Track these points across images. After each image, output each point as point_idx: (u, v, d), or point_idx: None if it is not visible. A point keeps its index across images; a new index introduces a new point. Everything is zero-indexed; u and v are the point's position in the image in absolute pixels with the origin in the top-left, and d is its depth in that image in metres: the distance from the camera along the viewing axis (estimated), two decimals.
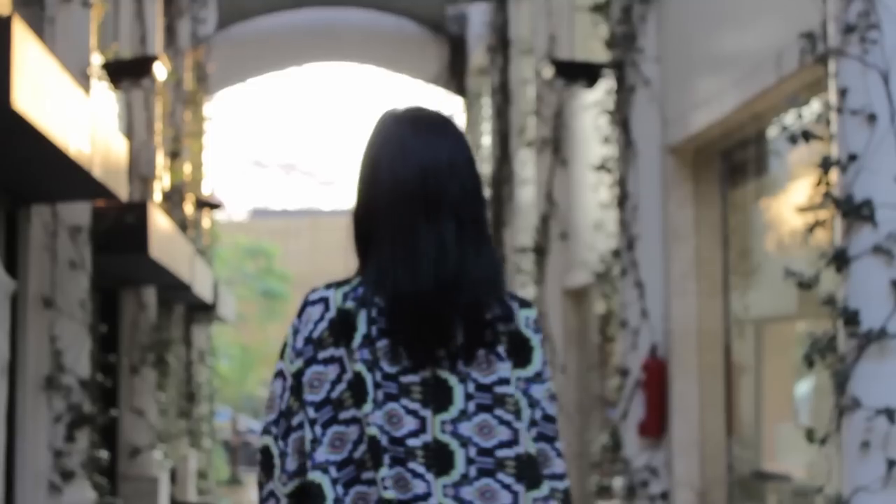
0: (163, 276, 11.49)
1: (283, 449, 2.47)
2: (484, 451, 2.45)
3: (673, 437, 8.67)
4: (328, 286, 2.53)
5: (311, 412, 2.45)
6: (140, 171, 12.40)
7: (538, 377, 2.54)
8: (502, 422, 2.46)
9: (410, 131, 2.55)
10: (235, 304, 22.54)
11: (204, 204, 16.80)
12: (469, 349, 2.46)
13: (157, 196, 13.22)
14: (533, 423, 2.53)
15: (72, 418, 8.43)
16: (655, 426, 8.73)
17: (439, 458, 2.43)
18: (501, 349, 2.49)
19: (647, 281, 8.86)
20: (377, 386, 2.42)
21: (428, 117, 2.60)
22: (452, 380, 2.46)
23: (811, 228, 5.40)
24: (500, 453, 2.46)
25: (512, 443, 2.47)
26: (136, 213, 9.57)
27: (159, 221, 10.20)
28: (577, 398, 12.51)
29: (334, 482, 2.42)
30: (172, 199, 14.66)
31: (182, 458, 15.22)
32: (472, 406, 2.46)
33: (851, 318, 5.01)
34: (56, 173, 7.13)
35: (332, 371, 2.45)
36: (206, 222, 18.10)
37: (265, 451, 2.50)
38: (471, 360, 2.46)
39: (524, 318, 2.54)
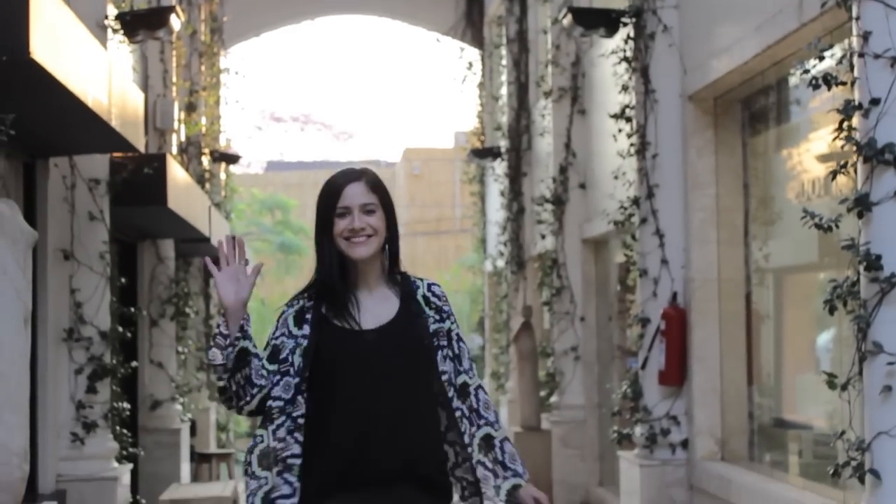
0: (181, 228, 11.50)
1: None
2: None
3: (693, 385, 8.67)
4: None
5: None
6: (156, 124, 12.39)
7: None
8: None
9: None
10: (252, 258, 22.57)
11: (220, 157, 16.79)
12: None
13: (174, 149, 13.20)
14: None
15: (93, 370, 8.48)
16: (676, 375, 8.73)
17: None
18: None
19: (667, 229, 8.83)
20: None
21: None
22: None
23: (833, 175, 5.36)
24: None
25: None
26: (154, 165, 9.57)
27: (177, 173, 10.20)
28: (597, 348, 12.51)
29: None
30: (189, 152, 14.65)
31: (202, 410, 15.30)
32: None
33: (873, 263, 4.98)
34: (73, 125, 7.12)
35: None
36: (222, 175, 18.10)
37: None
38: None
39: None
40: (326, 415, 3.68)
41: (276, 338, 3.77)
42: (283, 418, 3.68)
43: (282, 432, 3.67)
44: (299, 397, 3.69)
